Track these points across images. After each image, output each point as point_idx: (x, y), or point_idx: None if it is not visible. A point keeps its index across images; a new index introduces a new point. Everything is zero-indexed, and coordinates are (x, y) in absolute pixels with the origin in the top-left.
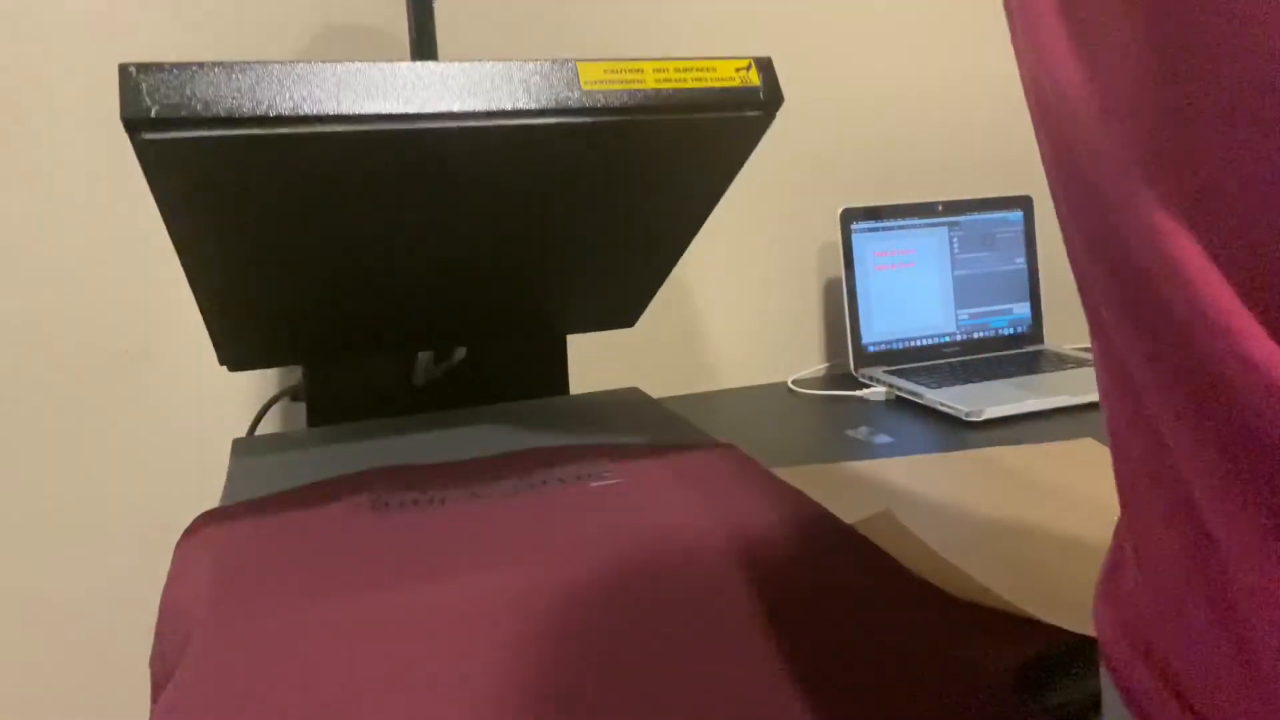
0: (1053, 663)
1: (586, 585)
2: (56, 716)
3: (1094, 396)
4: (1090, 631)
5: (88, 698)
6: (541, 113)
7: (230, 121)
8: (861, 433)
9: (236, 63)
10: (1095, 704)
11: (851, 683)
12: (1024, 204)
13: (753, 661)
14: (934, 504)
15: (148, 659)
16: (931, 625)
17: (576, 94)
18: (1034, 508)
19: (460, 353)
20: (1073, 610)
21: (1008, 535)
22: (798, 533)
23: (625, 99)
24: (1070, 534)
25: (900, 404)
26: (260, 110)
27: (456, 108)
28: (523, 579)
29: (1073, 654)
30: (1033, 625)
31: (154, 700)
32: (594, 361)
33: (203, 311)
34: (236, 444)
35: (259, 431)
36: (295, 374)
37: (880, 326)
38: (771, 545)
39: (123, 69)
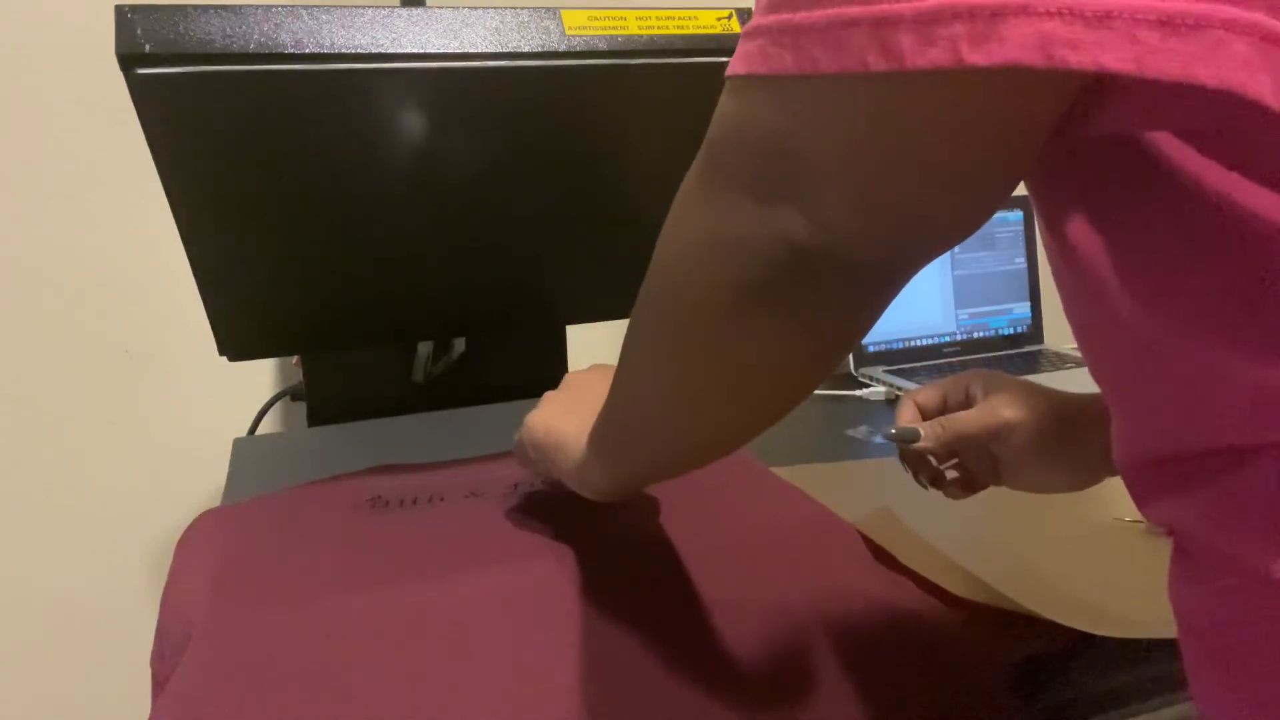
0: (1053, 661)
1: (586, 584)
2: (57, 715)
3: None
4: (1089, 629)
5: (88, 696)
6: (526, 55)
7: (222, 58)
8: (861, 432)
9: (229, 4)
10: (1095, 703)
11: (851, 680)
12: (1024, 204)
13: (752, 659)
14: (934, 502)
15: (148, 658)
16: (931, 623)
17: (560, 38)
18: (1033, 505)
19: (459, 346)
20: (1072, 608)
21: (1007, 533)
22: (798, 532)
23: (608, 44)
24: (1070, 532)
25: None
26: (251, 48)
27: (443, 48)
28: (522, 578)
29: (1073, 652)
30: (1032, 623)
31: (154, 699)
32: (594, 360)
33: (202, 291)
34: (237, 444)
35: (259, 431)
36: (295, 374)
37: (880, 326)
38: (772, 544)
39: (118, 9)
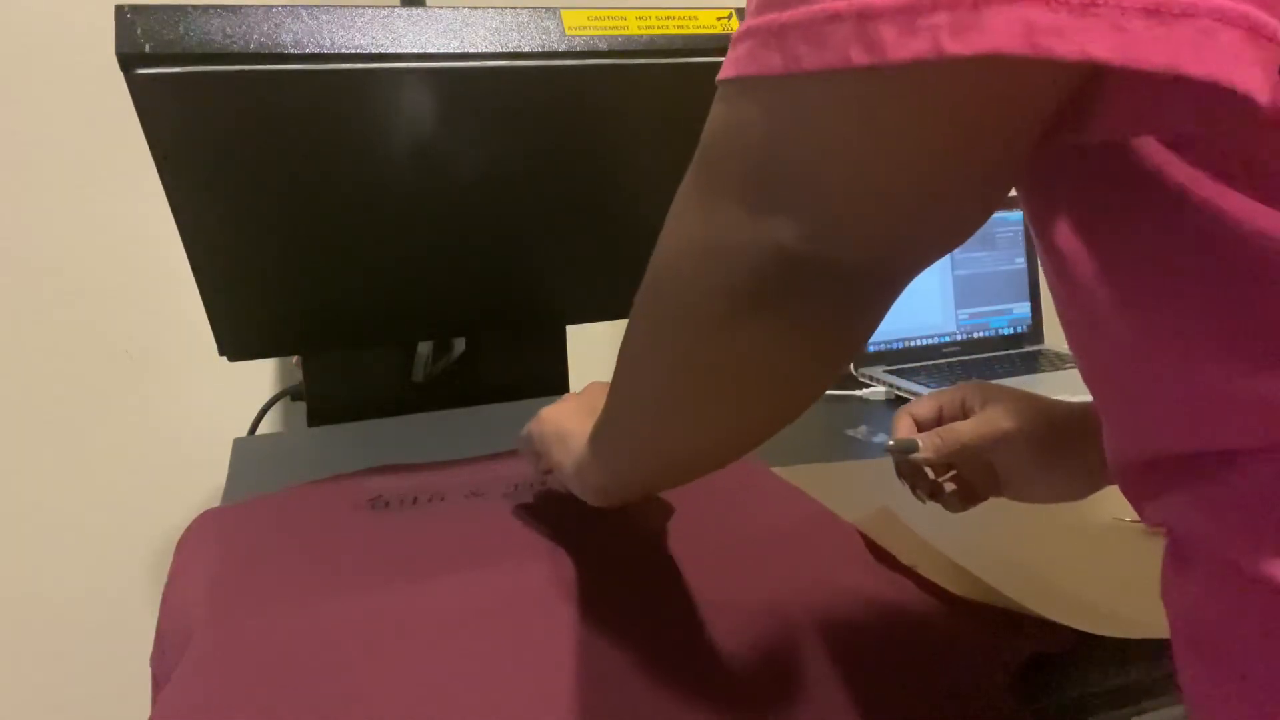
0: (1053, 661)
1: (586, 583)
2: (57, 715)
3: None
4: (1089, 629)
5: (88, 696)
6: (526, 55)
7: (222, 58)
8: (861, 432)
9: (229, 4)
10: (1095, 703)
11: (851, 680)
12: None
13: (752, 659)
14: (933, 502)
15: (148, 658)
16: (931, 623)
17: (560, 38)
18: (1033, 505)
19: (459, 346)
20: (1072, 608)
21: (1007, 533)
22: (798, 531)
23: (608, 44)
24: (1070, 532)
25: (900, 403)
26: (251, 48)
27: (443, 48)
28: (521, 577)
29: (1073, 652)
30: (1032, 623)
31: (154, 699)
32: (594, 360)
33: (202, 292)
34: (236, 444)
35: (259, 431)
36: (295, 374)
37: (880, 326)
38: (772, 544)
39: (118, 9)
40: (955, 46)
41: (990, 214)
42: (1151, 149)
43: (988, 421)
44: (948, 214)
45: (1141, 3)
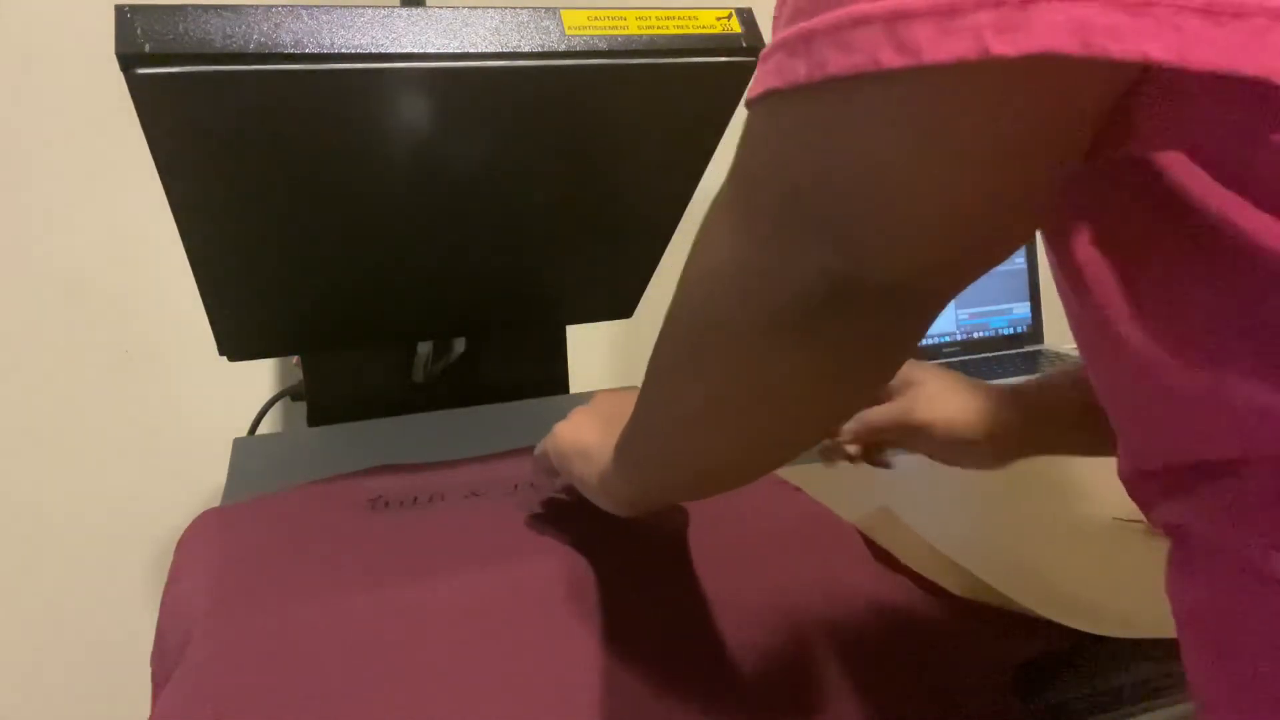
0: (1052, 661)
1: (586, 583)
2: (57, 715)
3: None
4: (1089, 629)
5: (88, 697)
6: (526, 55)
7: (222, 58)
8: None
9: (229, 4)
10: (1096, 703)
11: (851, 680)
12: None
13: (752, 659)
14: (934, 502)
15: (148, 658)
16: (931, 623)
17: (560, 38)
18: (1033, 505)
19: (459, 346)
20: (1072, 608)
21: (1007, 533)
22: (798, 531)
23: (608, 44)
24: (1070, 532)
25: None
26: (251, 48)
27: (443, 49)
28: (521, 577)
29: (1073, 652)
30: (1032, 623)
31: (154, 699)
32: (594, 360)
33: (202, 292)
34: (236, 444)
35: (259, 431)
36: (295, 374)
37: None
38: (772, 544)
39: (118, 9)
40: (1002, 47)
41: (1036, 228)
42: (1175, 163)
43: (903, 411)
44: (991, 231)
45: (1197, 2)
